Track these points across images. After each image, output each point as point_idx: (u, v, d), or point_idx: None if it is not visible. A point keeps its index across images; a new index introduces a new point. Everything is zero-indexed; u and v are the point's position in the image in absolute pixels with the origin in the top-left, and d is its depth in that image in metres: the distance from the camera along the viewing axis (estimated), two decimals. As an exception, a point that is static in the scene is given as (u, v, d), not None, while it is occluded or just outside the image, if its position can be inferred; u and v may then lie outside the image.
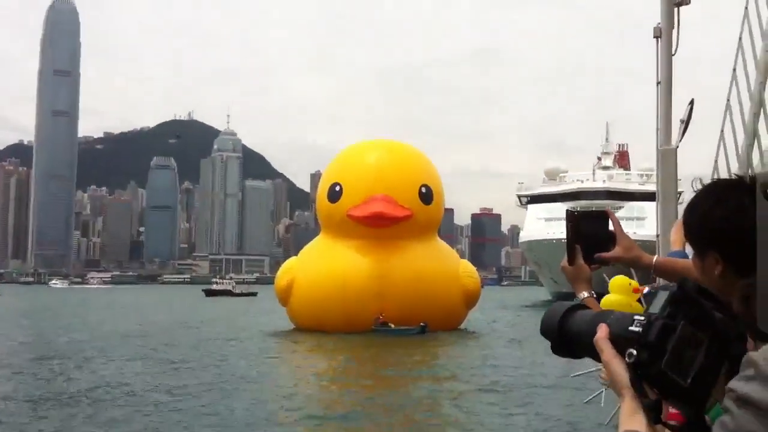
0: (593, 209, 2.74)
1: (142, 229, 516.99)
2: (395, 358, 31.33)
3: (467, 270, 44.99)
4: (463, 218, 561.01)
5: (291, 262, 45.51)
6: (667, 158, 7.62)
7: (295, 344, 38.75)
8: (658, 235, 7.35)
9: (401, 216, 40.75)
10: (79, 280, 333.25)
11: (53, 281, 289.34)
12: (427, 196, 43.10)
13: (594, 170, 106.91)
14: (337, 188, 42.63)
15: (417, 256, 41.50)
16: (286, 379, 26.27)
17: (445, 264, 43.65)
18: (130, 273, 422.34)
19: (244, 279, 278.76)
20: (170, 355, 32.12)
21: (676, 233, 3.52)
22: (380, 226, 40.33)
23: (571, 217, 2.62)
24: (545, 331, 1.96)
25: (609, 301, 11.28)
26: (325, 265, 41.46)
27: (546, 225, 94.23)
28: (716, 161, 16.31)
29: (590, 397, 10.94)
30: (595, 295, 2.58)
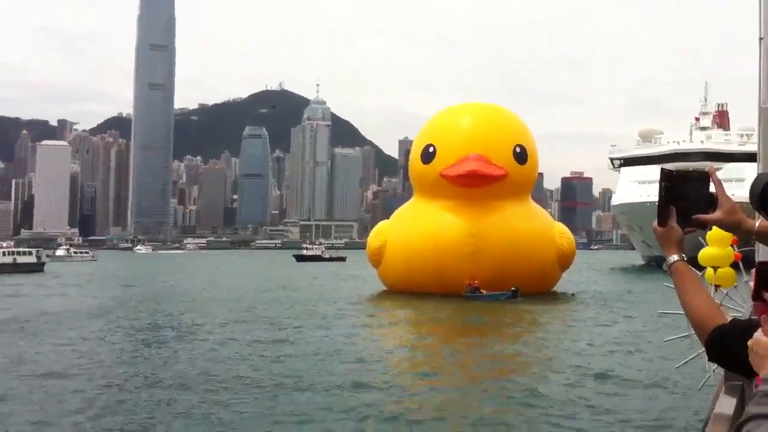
0: (691, 169, 2.53)
1: (235, 196, 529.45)
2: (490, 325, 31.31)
3: (562, 231, 44.35)
4: (553, 182, 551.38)
5: (383, 224, 45.49)
6: None
7: (387, 310, 38.51)
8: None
9: (496, 175, 40.22)
10: (174, 244, 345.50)
11: (138, 247, 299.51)
12: (521, 155, 42.40)
13: (691, 131, 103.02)
14: (431, 149, 42.31)
15: (511, 216, 40.99)
16: (377, 347, 26.49)
17: (539, 225, 43.07)
18: (224, 239, 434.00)
19: (333, 244, 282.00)
20: (274, 319, 33.02)
21: None
22: (474, 185, 39.89)
23: (668, 177, 2.44)
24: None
25: (706, 254, 10.89)
26: (418, 226, 41.38)
27: (640, 188, 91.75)
28: None
29: (683, 362, 10.74)
30: (685, 259, 2.43)
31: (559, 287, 45.38)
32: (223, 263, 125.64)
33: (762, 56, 7.35)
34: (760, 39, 7.30)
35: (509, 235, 40.01)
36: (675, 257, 2.37)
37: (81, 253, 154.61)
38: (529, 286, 39.93)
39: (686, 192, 2.41)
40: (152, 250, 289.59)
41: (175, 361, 21.22)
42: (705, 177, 2.45)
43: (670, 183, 2.43)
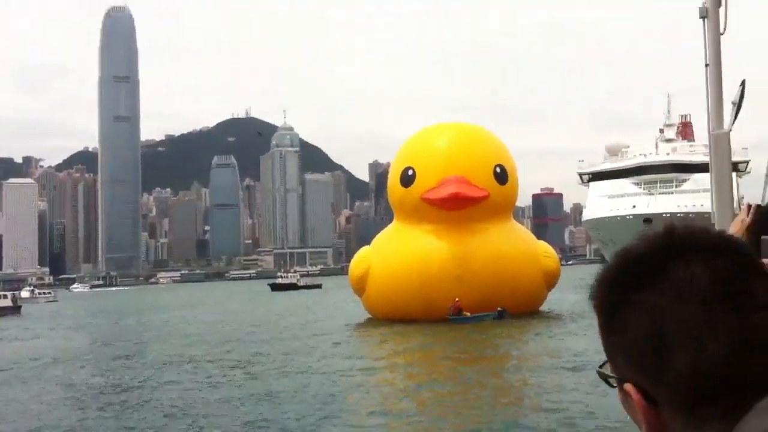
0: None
1: (207, 227, 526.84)
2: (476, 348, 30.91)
3: (546, 250, 44.07)
4: (523, 199, 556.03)
5: (365, 251, 44.64)
6: (720, 143, 7.21)
7: (372, 337, 37.80)
8: (713, 224, 6.94)
9: (478, 197, 39.73)
10: (146, 280, 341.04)
11: (74, 285, 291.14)
12: (502, 176, 42.03)
13: (657, 143, 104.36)
14: (410, 172, 41.76)
15: (495, 237, 40.55)
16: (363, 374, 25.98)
17: (523, 245, 42.73)
18: (198, 271, 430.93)
19: (308, 271, 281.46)
20: (254, 355, 31.64)
21: (736, 229, 2.90)
22: (457, 208, 39.39)
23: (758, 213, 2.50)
24: None
25: None
26: (401, 251, 40.72)
27: (609, 202, 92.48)
28: None
29: None
30: None
31: (544, 306, 45.11)
32: (193, 296, 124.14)
33: (708, 82, 7.40)
34: (706, 65, 7.35)
35: (495, 256, 39.56)
36: None
37: (44, 293, 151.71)
38: (516, 307, 39.62)
39: None
40: (89, 288, 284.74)
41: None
42: None
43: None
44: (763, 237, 2.56)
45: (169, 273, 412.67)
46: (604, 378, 1.16)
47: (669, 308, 1.06)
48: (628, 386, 1.11)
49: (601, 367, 1.18)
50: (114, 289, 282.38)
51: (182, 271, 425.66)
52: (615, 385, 1.15)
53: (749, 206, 2.79)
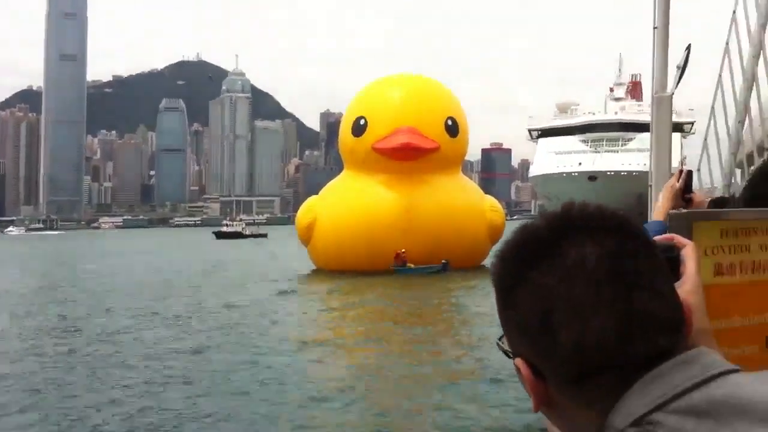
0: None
1: (152, 172, 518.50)
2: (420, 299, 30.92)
3: (493, 205, 44.39)
4: (473, 153, 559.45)
5: (312, 200, 44.10)
6: (662, 105, 7.21)
7: (313, 293, 36.97)
8: (650, 185, 6.96)
9: (429, 148, 39.64)
10: (92, 224, 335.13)
11: (9, 229, 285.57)
12: (453, 128, 42.00)
13: (606, 102, 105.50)
14: (362, 122, 41.45)
15: (444, 189, 40.58)
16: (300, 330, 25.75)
17: (471, 198, 42.95)
18: (141, 217, 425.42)
19: (254, 220, 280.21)
20: (190, 306, 30.36)
21: (665, 198, 2.84)
22: (407, 158, 39.33)
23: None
24: None
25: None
26: (349, 201, 40.48)
27: (557, 158, 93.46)
28: (713, 107, 15.73)
29: None
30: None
31: (487, 260, 45.62)
32: (135, 244, 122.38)
33: (655, 45, 7.36)
34: (654, 28, 7.30)
35: (442, 209, 39.58)
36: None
37: None
38: (460, 260, 39.87)
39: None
40: (25, 231, 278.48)
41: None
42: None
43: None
44: (688, 170, 2.83)
45: (112, 218, 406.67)
46: (503, 351, 1.20)
47: (558, 287, 1.09)
48: (517, 361, 1.15)
49: (500, 339, 1.20)
50: (53, 233, 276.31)
51: (125, 217, 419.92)
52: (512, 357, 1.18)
53: (680, 172, 2.82)
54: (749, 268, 1.59)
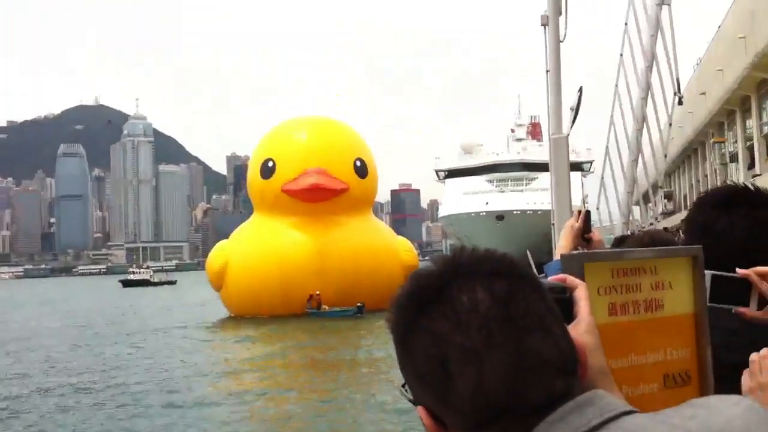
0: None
1: (53, 220, 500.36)
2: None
3: (406, 245, 44.69)
4: (382, 195, 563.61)
5: (223, 244, 43.44)
6: (559, 146, 7.65)
7: (227, 339, 36.83)
8: (553, 223, 7.34)
9: (338, 188, 39.71)
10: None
11: None
12: (362, 169, 42.22)
13: (508, 142, 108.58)
14: (270, 164, 41.28)
15: (355, 231, 40.63)
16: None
17: (384, 239, 43.11)
18: (43, 266, 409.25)
19: (162, 267, 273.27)
20: (97, 356, 29.91)
21: (565, 238, 2.86)
22: (317, 199, 39.30)
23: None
24: None
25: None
26: (260, 244, 40.11)
27: (465, 198, 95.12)
28: (607, 147, 16.60)
29: None
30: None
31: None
32: (36, 293, 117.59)
33: (548, 88, 7.74)
34: (547, 71, 7.68)
35: (355, 250, 39.58)
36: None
37: None
38: (375, 302, 39.56)
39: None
40: None
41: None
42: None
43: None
44: (587, 210, 2.94)
45: (11, 268, 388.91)
46: (407, 398, 1.17)
47: (450, 333, 1.07)
48: (419, 409, 1.13)
49: (403, 386, 1.17)
50: None
51: (26, 266, 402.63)
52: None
53: (579, 212, 2.85)
54: (641, 308, 1.61)
